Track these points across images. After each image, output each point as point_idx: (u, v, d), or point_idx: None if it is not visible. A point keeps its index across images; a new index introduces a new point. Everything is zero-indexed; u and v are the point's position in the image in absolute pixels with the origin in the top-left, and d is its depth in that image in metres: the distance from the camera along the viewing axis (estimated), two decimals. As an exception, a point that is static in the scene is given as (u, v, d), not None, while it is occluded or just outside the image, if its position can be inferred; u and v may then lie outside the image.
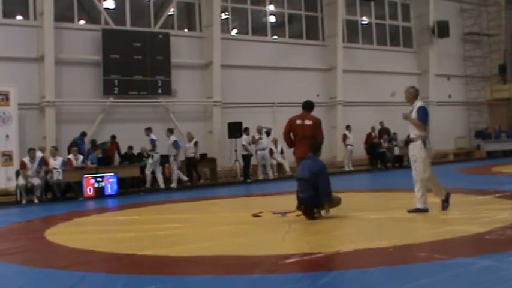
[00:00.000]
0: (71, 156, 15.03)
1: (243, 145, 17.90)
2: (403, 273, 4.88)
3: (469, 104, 27.41)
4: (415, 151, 8.24)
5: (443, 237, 6.20)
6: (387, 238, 6.33)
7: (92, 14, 18.25)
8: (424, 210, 8.09)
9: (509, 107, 27.59)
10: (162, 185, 16.27)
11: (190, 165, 17.49)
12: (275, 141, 18.79)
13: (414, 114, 8.22)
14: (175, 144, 16.45)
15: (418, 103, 8.35)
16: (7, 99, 15.66)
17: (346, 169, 20.30)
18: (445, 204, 8.21)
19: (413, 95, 8.45)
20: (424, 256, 5.38)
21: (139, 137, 17.02)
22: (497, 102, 27.38)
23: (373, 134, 21.37)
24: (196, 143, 17.45)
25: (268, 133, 18.45)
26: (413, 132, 8.29)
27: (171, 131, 16.78)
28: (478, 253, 5.48)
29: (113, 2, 18.80)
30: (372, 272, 4.98)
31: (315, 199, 8.07)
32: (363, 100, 23.35)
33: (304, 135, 8.87)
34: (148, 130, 16.33)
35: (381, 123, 22.26)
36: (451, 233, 6.40)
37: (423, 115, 8.17)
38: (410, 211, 8.16)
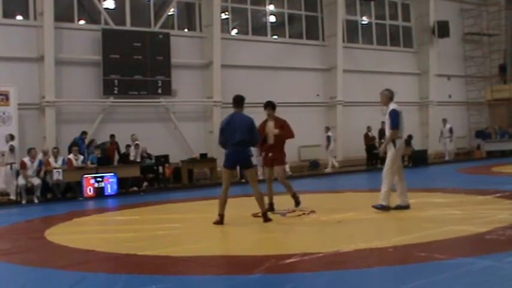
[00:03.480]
0: (71, 156, 15.03)
1: None
2: (403, 273, 4.87)
3: (469, 104, 27.41)
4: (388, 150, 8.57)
5: (443, 237, 6.19)
6: (387, 238, 6.33)
7: (92, 14, 18.24)
8: (387, 208, 8.42)
9: (509, 107, 27.57)
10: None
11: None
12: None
13: (387, 119, 8.58)
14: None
15: (391, 106, 8.56)
16: (7, 99, 15.66)
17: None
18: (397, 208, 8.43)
19: (388, 97, 8.64)
20: (424, 256, 5.37)
21: (139, 137, 17.03)
22: (497, 102, 27.36)
23: (369, 134, 21.38)
24: (136, 146, 16.68)
25: None
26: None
27: (12, 137, 14.87)
28: (478, 253, 5.48)
29: (113, 2, 18.78)
30: (372, 272, 4.97)
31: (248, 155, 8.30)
32: (363, 100, 23.30)
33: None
34: (10, 137, 14.83)
35: (382, 123, 22.24)
36: (451, 233, 6.39)
37: (394, 120, 8.49)
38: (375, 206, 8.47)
